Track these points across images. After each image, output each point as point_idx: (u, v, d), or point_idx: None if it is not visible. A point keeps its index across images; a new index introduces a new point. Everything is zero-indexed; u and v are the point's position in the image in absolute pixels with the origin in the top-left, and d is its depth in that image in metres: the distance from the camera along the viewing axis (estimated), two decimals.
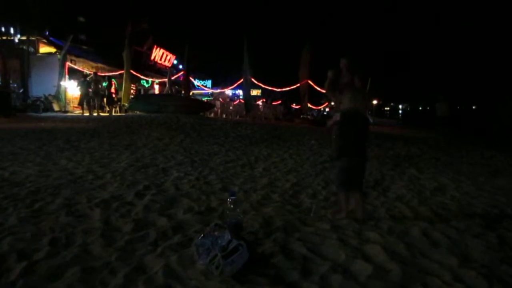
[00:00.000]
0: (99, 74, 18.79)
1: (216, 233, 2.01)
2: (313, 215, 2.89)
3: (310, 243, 2.29)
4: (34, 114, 14.58)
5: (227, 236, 1.96)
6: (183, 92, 20.45)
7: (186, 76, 20.02)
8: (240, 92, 29.04)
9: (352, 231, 2.56)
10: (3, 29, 14.69)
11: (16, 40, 16.85)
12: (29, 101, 16.31)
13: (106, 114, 15.85)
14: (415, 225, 2.73)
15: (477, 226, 2.79)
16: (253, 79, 23.16)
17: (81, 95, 16.55)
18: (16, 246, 2.12)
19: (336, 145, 2.99)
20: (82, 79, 16.96)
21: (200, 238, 2.04)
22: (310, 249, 2.19)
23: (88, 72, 19.16)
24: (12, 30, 15.70)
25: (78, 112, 16.42)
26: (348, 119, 2.97)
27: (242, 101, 23.25)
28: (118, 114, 17.34)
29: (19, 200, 3.01)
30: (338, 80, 4.73)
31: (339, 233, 2.50)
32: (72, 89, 17.72)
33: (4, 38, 14.93)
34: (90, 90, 14.96)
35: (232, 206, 2.23)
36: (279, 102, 29.61)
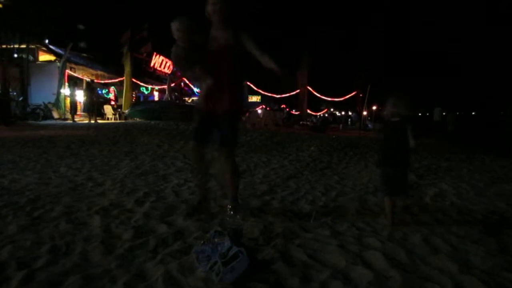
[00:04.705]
0: (96, 81, 18.82)
1: (216, 240, 2.01)
2: (313, 222, 2.89)
3: (310, 249, 2.29)
4: (34, 122, 14.62)
5: (227, 243, 1.96)
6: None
7: (179, 82, 20.10)
8: None
9: (352, 237, 2.56)
10: (2, 36, 14.76)
11: (16, 48, 16.92)
12: (28, 109, 16.37)
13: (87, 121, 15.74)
14: (416, 231, 2.73)
15: (477, 232, 2.79)
16: (252, 85, 23.20)
17: (71, 102, 16.65)
18: (15, 254, 2.12)
19: (378, 154, 3.06)
20: (71, 87, 17.02)
21: (200, 245, 2.04)
22: (310, 256, 2.19)
23: (88, 79, 19.22)
24: (12, 39, 15.77)
25: (78, 119, 16.49)
26: (386, 126, 2.96)
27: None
28: (118, 121, 17.37)
29: (19, 208, 3.01)
30: (197, 44, 2.73)
31: (339, 239, 2.50)
32: (72, 96, 17.77)
33: (4, 46, 15.00)
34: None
35: (232, 213, 2.23)
36: (283, 106, 29.66)
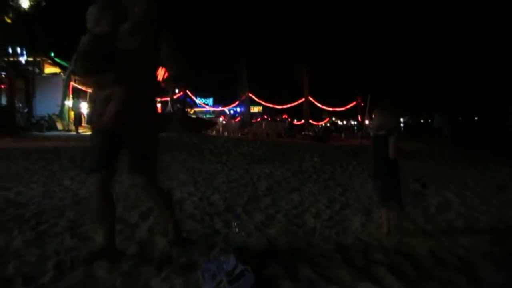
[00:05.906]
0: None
1: (221, 257, 2.00)
2: (317, 236, 2.87)
3: (315, 265, 2.27)
4: (38, 133, 14.72)
5: (233, 260, 1.95)
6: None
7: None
8: (238, 109, 29.31)
9: (357, 251, 2.54)
10: (10, 50, 15.03)
11: (23, 61, 17.16)
12: (33, 120, 16.52)
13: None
14: (422, 243, 2.70)
15: (484, 243, 2.75)
16: (253, 96, 23.33)
17: (74, 114, 16.79)
18: (22, 269, 2.12)
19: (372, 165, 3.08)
20: (75, 98, 17.19)
21: (205, 263, 2.03)
22: (316, 271, 2.17)
23: (91, 91, 19.40)
24: (19, 52, 16.05)
25: (82, 131, 16.59)
26: (373, 140, 3.03)
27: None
28: None
29: (24, 221, 3.02)
30: (112, 36, 2.11)
31: (344, 254, 2.47)
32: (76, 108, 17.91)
33: (11, 59, 15.24)
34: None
35: (237, 229, 2.22)
36: (285, 116, 29.79)
